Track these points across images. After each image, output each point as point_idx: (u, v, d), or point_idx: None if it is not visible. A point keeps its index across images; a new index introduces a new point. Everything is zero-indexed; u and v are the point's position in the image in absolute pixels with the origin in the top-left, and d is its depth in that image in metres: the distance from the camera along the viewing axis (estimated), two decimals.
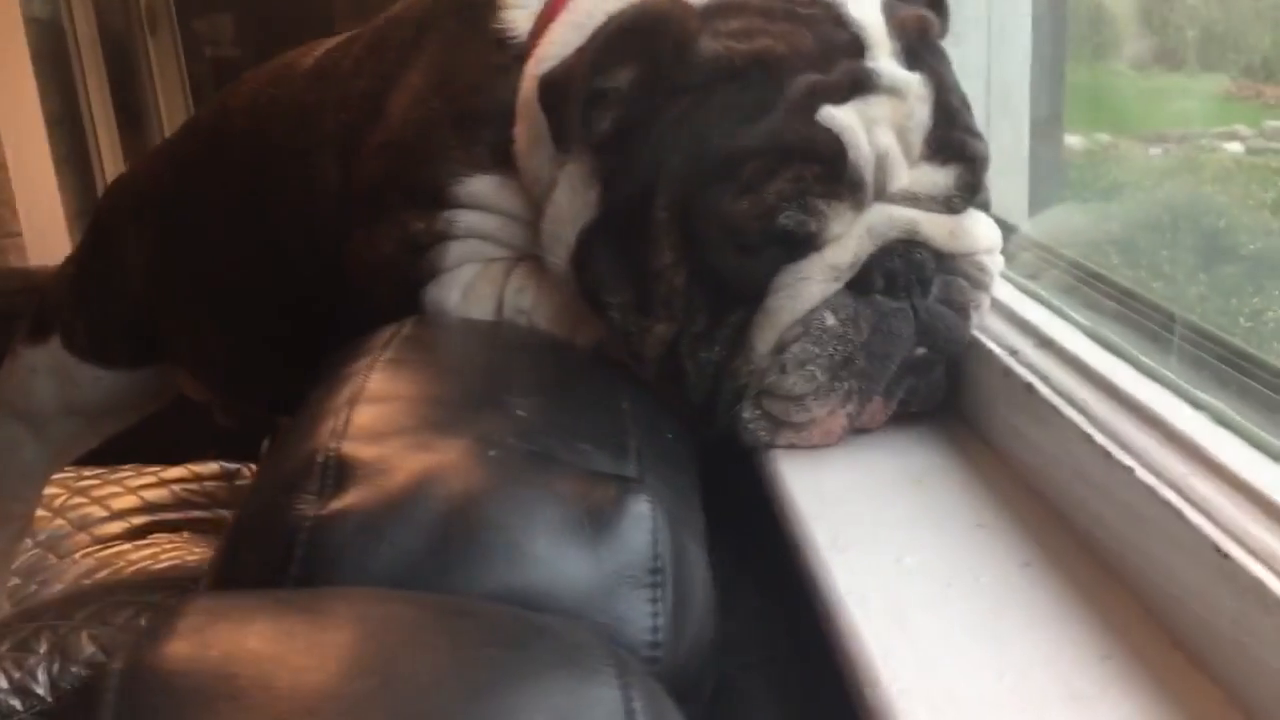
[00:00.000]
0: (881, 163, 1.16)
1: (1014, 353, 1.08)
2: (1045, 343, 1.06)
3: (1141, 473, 0.84)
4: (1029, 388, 1.02)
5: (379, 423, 0.89)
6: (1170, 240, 1.18)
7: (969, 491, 1.05)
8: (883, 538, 0.99)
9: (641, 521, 0.77)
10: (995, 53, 1.34)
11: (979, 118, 1.28)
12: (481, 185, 1.33)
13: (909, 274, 1.17)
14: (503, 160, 1.33)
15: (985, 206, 1.26)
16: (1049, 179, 1.53)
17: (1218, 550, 0.75)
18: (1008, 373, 1.07)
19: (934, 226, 1.18)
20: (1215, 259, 1.08)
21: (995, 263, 1.24)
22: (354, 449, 0.83)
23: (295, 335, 1.65)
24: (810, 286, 1.16)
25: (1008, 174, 1.40)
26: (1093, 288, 1.19)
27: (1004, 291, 1.20)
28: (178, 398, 2.07)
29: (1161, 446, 0.86)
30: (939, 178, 1.17)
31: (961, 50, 1.20)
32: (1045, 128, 1.50)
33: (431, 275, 1.37)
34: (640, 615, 0.77)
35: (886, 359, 1.16)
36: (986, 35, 1.39)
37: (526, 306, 1.35)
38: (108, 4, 4.34)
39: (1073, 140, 1.46)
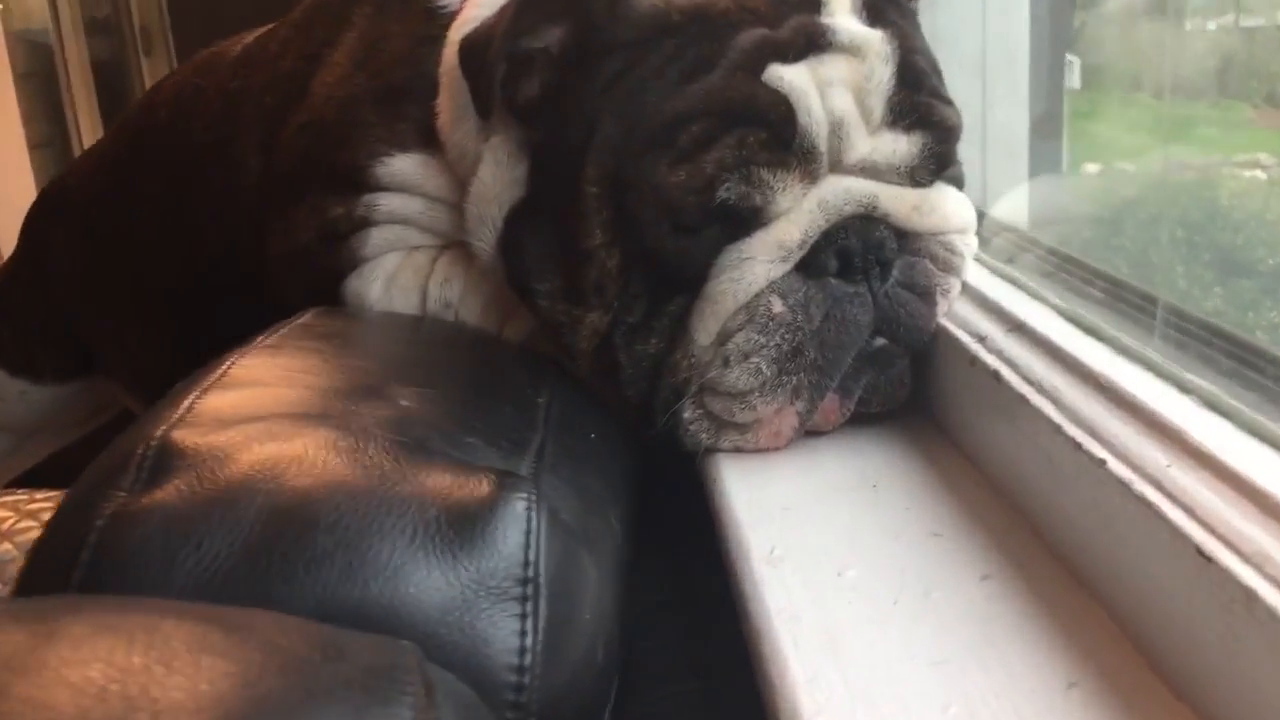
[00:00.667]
0: (836, 128, 1.03)
1: (981, 339, 0.94)
2: (1016, 326, 0.93)
3: (1116, 465, 0.70)
4: (995, 375, 0.88)
5: (228, 409, 0.76)
6: (1186, 255, 1.04)
7: (928, 496, 0.91)
8: (826, 548, 0.85)
9: (513, 524, 0.63)
10: (991, 94, 1.19)
11: (977, 154, 1.15)
12: (404, 165, 1.20)
13: (867, 254, 1.03)
14: (428, 138, 1.21)
15: (958, 182, 1.12)
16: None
17: (1200, 553, 0.61)
18: (974, 360, 0.93)
19: (896, 201, 1.05)
20: (1232, 273, 1.02)
21: (968, 244, 1.11)
22: (184, 436, 0.70)
23: (232, 340, 1.52)
24: (754, 268, 1.03)
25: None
26: (1069, 273, 1.05)
27: (973, 275, 1.06)
28: (125, 413, 1.96)
29: (1141, 435, 0.72)
30: (902, 146, 1.04)
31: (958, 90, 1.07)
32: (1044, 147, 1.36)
33: (352, 265, 1.25)
34: (504, 634, 0.64)
35: (841, 350, 1.02)
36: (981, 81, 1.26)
37: (453, 299, 1.23)
38: (100, 25, 4.27)
39: (1089, 167, 1.30)
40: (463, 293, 1.22)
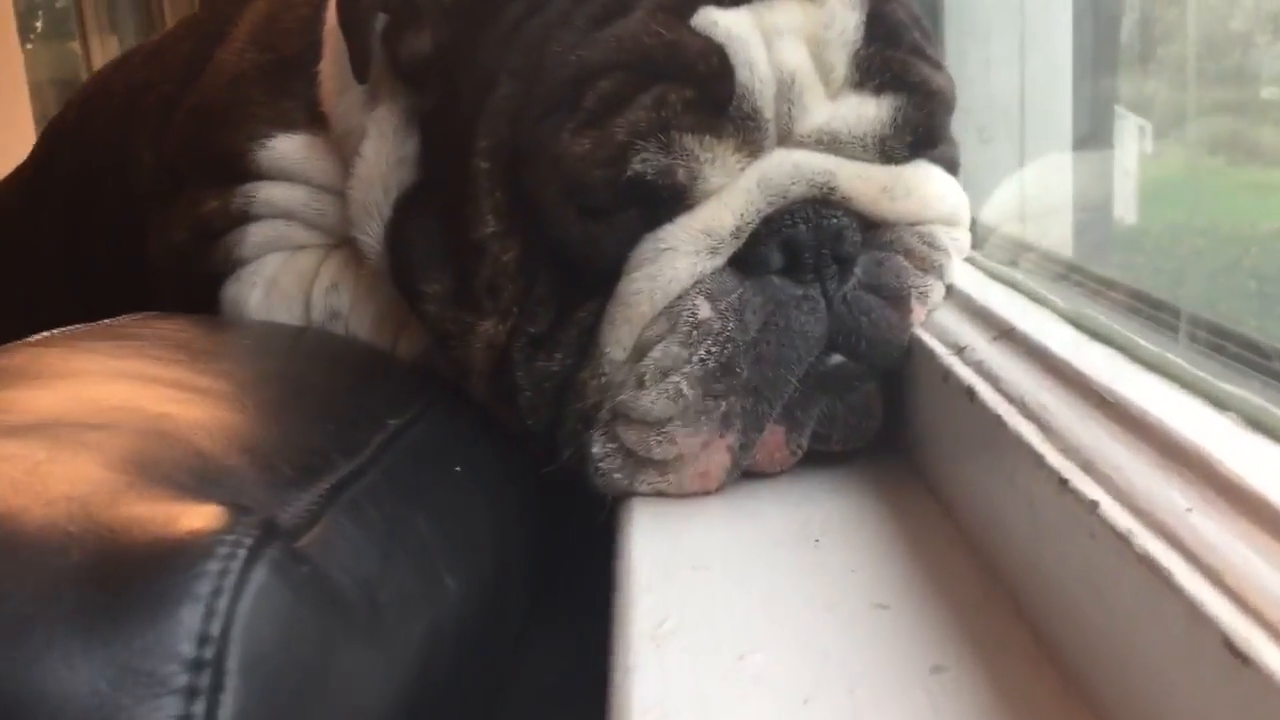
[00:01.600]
0: (785, 88, 0.81)
1: (959, 350, 0.71)
2: (1004, 333, 0.69)
3: (1112, 509, 0.47)
4: (969, 394, 0.64)
5: None
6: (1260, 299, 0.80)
7: (882, 554, 0.67)
8: (733, 622, 0.62)
9: (191, 582, 0.42)
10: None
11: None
12: (287, 148, 1.01)
13: (820, 247, 0.80)
14: (316, 115, 1.00)
15: (948, 163, 0.89)
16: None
17: (1232, 648, 0.36)
18: (947, 376, 0.70)
19: (859, 180, 0.82)
20: None
21: (954, 238, 0.88)
22: None
23: None
24: (676, 261, 0.80)
25: None
26: (1073, 282, 0.82)
27: (962, 277, 0.82)
28: None
29: (1152, 467, 0.48)
30: (869, 111, 0.81)
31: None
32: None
33: (228, 268, 1.05)
34: None
35: (783, 368, 0.79)
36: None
37: (342, 308, 1.02)
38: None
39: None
40: (353, 301, 1.01)
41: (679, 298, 0.81)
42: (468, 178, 0.85)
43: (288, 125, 1.02)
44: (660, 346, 0.81)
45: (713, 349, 0.80)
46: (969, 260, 0.89)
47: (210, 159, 1.05)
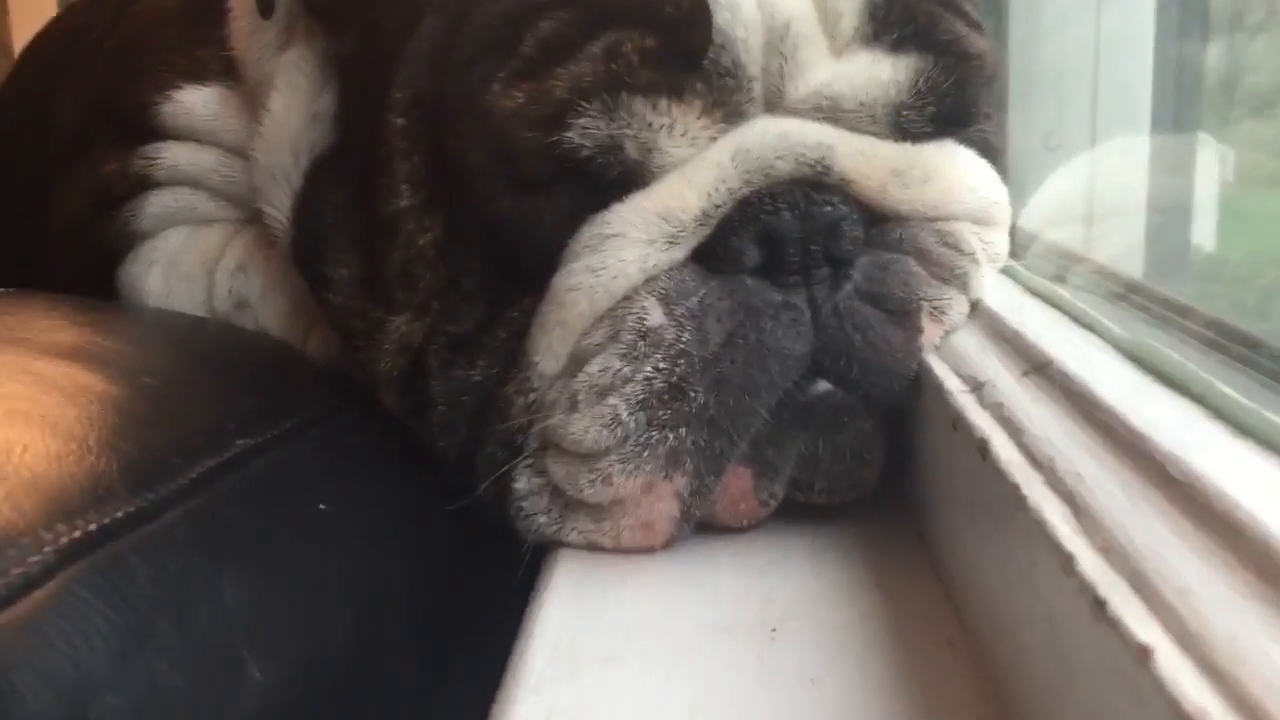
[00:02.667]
0: (778, 39, 0.64)
1: (977, 387, 0.53)
2: (1038, 366, 0.51)
3: (1170, 664, 0.28)
4: (982, 448, 0.46)
5: None
6: None
7: (853, 663, 0.48)
8: None
9: None
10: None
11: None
12: (196, 101, 0.85)
13: (808, 241, 0.63)
14: (231, 64, 0.84)
15: (985, 149, 0.71)
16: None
17: None
18: (957, 421, 0.51)
19: (864, 159, 0.64)
20: None
21: (987, 244, 0.69)
22: None
23: None
24: (623, 251, 0.63)
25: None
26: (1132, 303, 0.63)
27: (994, 293, 0.64)
28: None
29: (1246, 597, 0.29)
30: (884, 72, 0.63)
31: None
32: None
33: (127, 243, 0.88)
34: None
35: (750, 395, 0.62)
36: None
37: (250, 295, 0.85)
38: None
39: None
40: (263, 287, 0.84)
41: (625, 298, 0.64)
42: (381, 138, 0.69)
43: (198, 76, 0.85)
44: (599, 359, 0.63)
45: (661, 365, 0.62)
46: (1004, 271, 0.70)
47: (115, 114, 0.89)
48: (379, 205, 0.69)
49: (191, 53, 0.88)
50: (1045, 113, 0.96)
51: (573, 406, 0.65)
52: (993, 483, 0.47)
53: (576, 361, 0.66)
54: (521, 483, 0.68)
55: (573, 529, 0.67)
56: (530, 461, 0.67)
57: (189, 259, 0.87)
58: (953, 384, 0.58)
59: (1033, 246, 0.75)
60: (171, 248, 0.88)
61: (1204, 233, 0.88)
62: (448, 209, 0.68)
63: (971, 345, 0.61)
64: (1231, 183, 0.85)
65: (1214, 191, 0.86)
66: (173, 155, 0.87)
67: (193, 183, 0.87)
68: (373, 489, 0.67)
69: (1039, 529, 0.41)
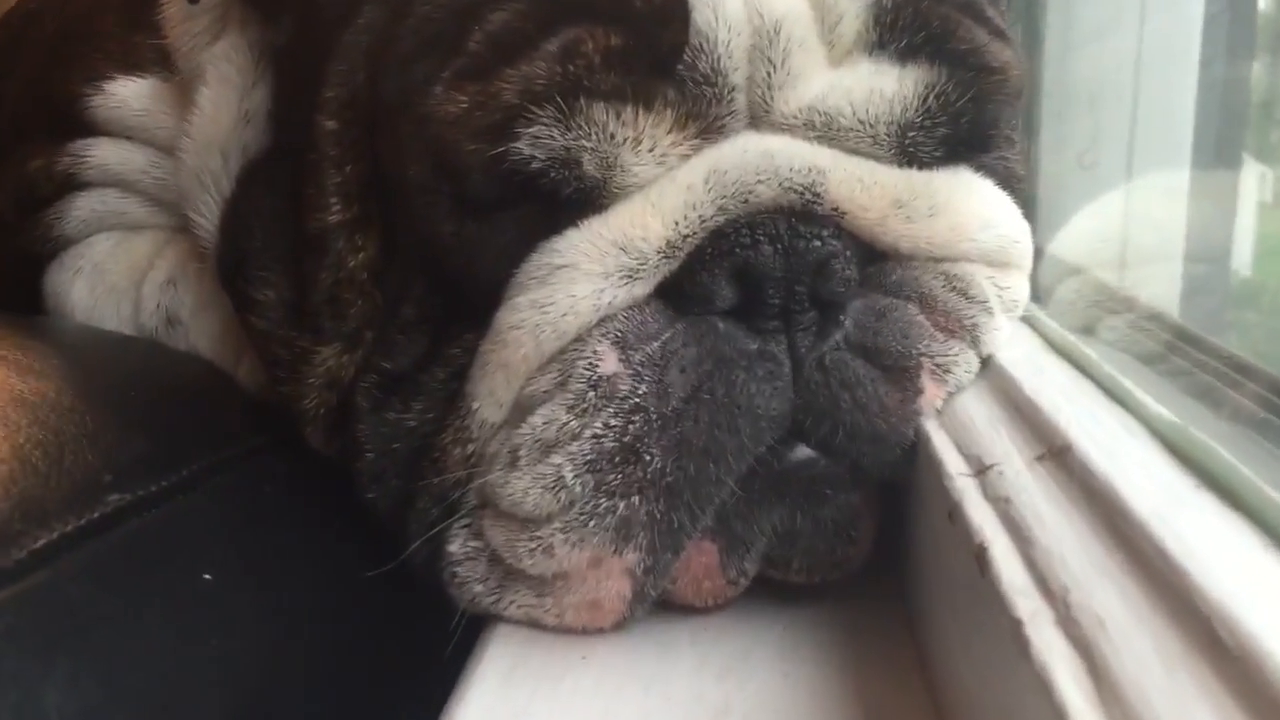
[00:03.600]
0: (767, 42, 0.57)
1: (981, 469, 0.43)
2: (1057, 451, 0.41)
3: None
4: (980, 555, 0.36)
5: None
6: None
7: None
8: None
9: None
10: None
11: None
12: (128, 94, 0.77)
13: (792, 281, 0.53)
14: (168, 54, 0.75)
15: (1006, 179, 0.61)
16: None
17: None
18: (954, 514, 0.42)
19: (861, 187, 0.55)
20: None
21: (1004, 290, 0.59)
22: None
23: None
24: (575, 285, 0.54)
25: None
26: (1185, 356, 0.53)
27: (1009, 347, 0.54)
28: None
29: None
30: (889, 85, 0.55)
31: None
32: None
33: (50, 249, 0.80)
34: None
35: (716, 460, 0.53)
36: None
37: (181, 312, 0.77)
38: None
39: None
40: (196, 304, 0.76)
41: (577, 340, 0.57)
42: (310, 143, 0.62)
43: (134, 65, 0.77)
44: (544, 409, 0.55)
45: (613, 422, 0.53)
46: (1023, 320, 0.60)
47: (47, 105, 0.81)
48: (306, 219, 0.62)
49: (128, 40, 0.79)
50: (1080, 129, 0.88)
51: (513, 463, 0.56)
52: (991, 606, 0.37)
53: (521, 410, 0.57)
54: (456, 545, 0.60)
55: (512, 602, 0.59)
56: (467, 522, 0.59)
57: (116, 269, 0.79)
58: (953, 463, 0.48)
59: (1059, 289, 0.65)
60: (98, 256, 0.79)
61: (1243, 259, 0.78)
62: (384, 227, 0.61)
63: (979, 414, 0.51)
64: (1271, 204, 0.77)
65: (1251, 216, 0.77)
66: (102, 154, 0.78)
67: (123, 185, 0.78)
68: (282, 549, 0.58)
69: (1045, 688, 0.31)
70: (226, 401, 0.70)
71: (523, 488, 0.56)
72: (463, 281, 0.60)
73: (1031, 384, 0.52)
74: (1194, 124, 0.82)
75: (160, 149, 0.78)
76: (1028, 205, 0.78)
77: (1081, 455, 0.43)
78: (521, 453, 0.56)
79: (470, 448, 0.59)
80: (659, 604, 0.59)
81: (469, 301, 0.60)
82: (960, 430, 0.52)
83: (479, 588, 0.59)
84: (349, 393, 0.62)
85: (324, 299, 0.61)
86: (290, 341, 0.63)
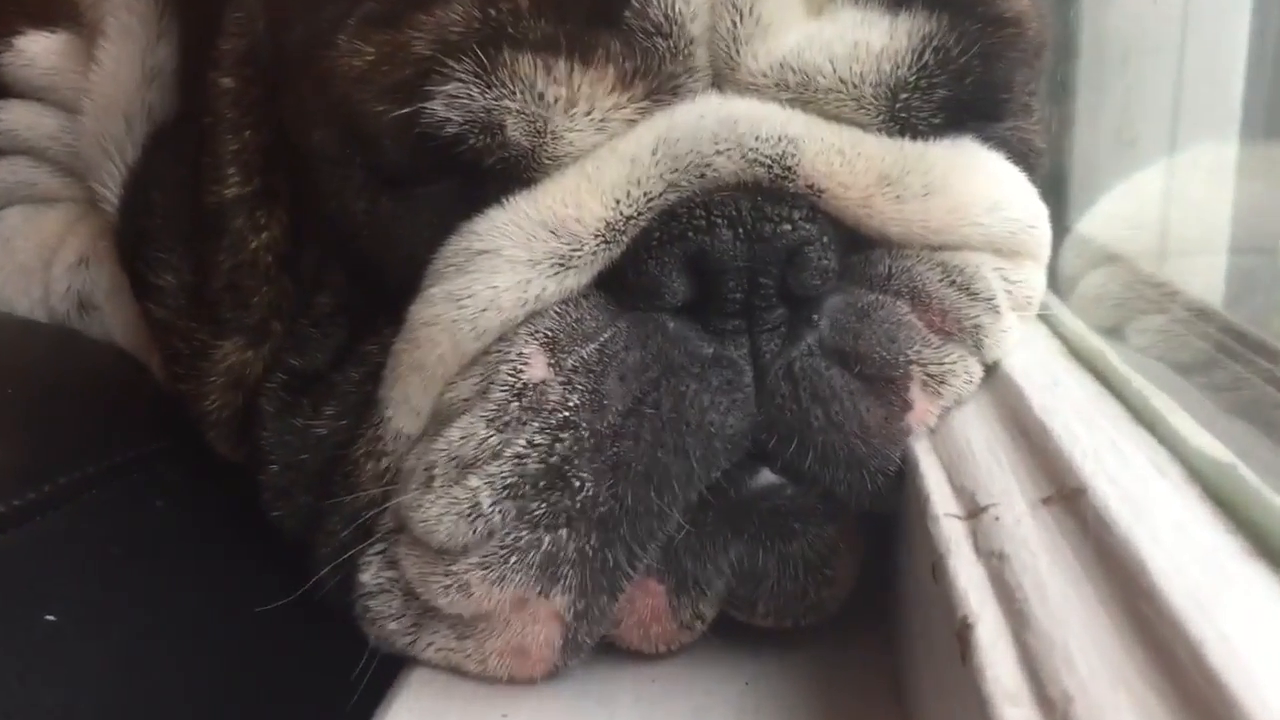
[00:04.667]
0: None
1: (975, 511, 0.33)
2: (1068, 495, 0.31)
3: None
4: (964, 632, 0.27)
5: None
6: None
7: None
8: None
9: None
10: None
11: None
12: (39, 49, 0.71)
13: (756, 272, 0.44)
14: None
15: (1020, 153, 0.54)
16: None
17: None
18: (938, 569, 0.32)
19: (842, 159, 0.45)
20: None
21: (1014, 284, 0.50)
22: None
23: None
24: (497, 275, 0.46)
25: None
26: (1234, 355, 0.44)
27: (1020, 351, 0.45)
28: None
29: None
30: (876, 38, 0.45)
31: None
32: None
33: None
34: None
35: (659, 488, 0.46)
36: None
37: (96, 296, 0.71)
38: None
39: None
40: (111, 287, 0.68)
41: (501, 340, 0.49)
42: (205, 104, 0.54)
43: (47, 18, 0.69)
44: (463, 421, 0.47)
45: (539, 439, 0.45)
46: (1040, 318, 0.50)
47: None
48: (203, 194, 0.55)
49: None
50: (1118, 97, 0.79)
51: (428, 483, 0.48)
52: (971, 702, 0.28)
53: (440, 421, 0.49)
54: (369, 575, 0.52)
55: (430, 644, 0.51)
56: (381, 548, 0.52)
57: (26, 246, 0.71)
58: (942, 500, 0.39)
59: (1084, 281, 0.55)
60: (6, 231, 0.72)
61: None
62: (292, 203, 0.54)
63: (977, 438, 0.42)
64: None
65: None
66: (12, 117, 0.71)
67: (33, 152, 0.71)
68: (162, 580, 0.50)
69: None
70: (130, 399, 0.62)
71: (436, 513, 0.48)
72: (380, 266, 0.51)
73: (1043, 402, 0.42)
74: (1244, 92, 0.73)
75: (71, 112, 0.70)
76: (1057, 183, 0.68)
77: (1098, 503, 0.34)
78: (436, 471, 0.48)
79: (384, 462, 0.52)
80: (604, 644, 0.50)
81: (387, 290, 0.51)
82: (954, 456, 0.43)
83: (393, 625, 0.52)
84: (256, 393, 0.54)
85: (223, 285, 0.54)
86: (189, 334, 0.56)
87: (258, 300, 0.54)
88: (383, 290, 0.52)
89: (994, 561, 0.35)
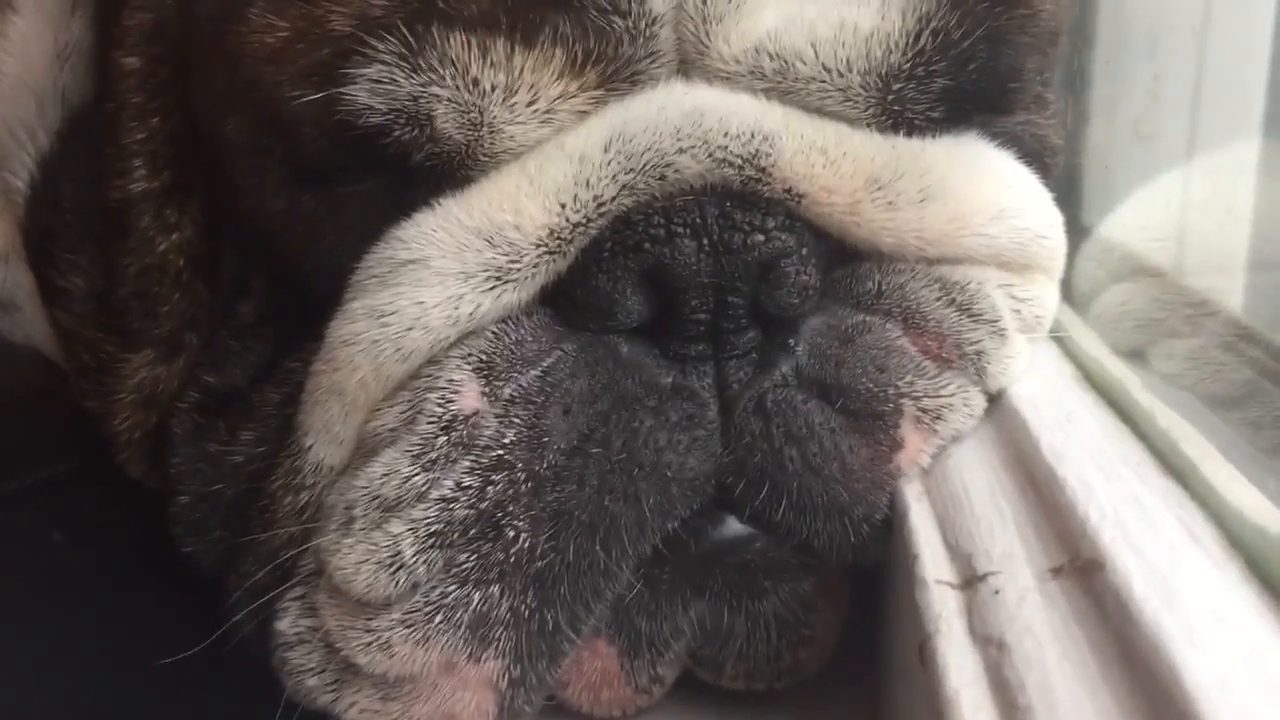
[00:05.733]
0: None
1: (971, 581, 0.28)
2: (1082, 567, 0.26)
3: None
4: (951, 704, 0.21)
5: None
6: None
7: None
8: None
9: None
10: None
11: None
12: None
13: (725, 290, 0.38)
14: None
15: (1032, 151, 0.48)
16: None
17: None
18: (926, 652, 0.27)
19: (825, 160, 0.40)
20: None
21: (1023, 302, 0.45)
22: None
23: None
24: (423, 289, 0.39)
25: None
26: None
27: (1028, 378, 0.38)
28: None
29: None
30: (866, 17, 0.38)
31: None
32: None
33: None
34: None
35: (605, 543, 0.38)
36: None
37: (18, 295, 0.65)
38: None
39: None
40: (34, 287, 0.61)
41: (431, 363, 0.43)
42: (107, 88, 0.50)
43: None
44: (386, 456, 0.41)
45: (469, 480, 0.41)
46: (1052, 337, 0.44)
47: None
48: (108, 188, 0.49)
49: None
50: (1137, 87, 0.71)
51: (347, 524, 0.41)
52: None
53: (365, 452, 0.42)
54: (287, 623, 0.47)
55: (352, 704, 0.46)
56: (301, 593, 0.46)
57: None
58: (934, 562, 0.33)
59: (1103, 295, 0.49)
60: None
61: None
62: (207, 198, 0.49)
63: (976, 486, 0.36)
64: None
65: None
66: None
67: None
68: (54, 624, 0.43)
69: None
70: (36, 414, 0.56)
71: (354, 560, 0.42)
72: (303, 274, 0.45)
73: (1053, 443, 0.36)
74: (1268, 79, 0.66)
75: None
76: (1071, 183, 0.62)
77: (1119, 583, 0.28)
78: (356, 512, 0.43)
79: (304, 496, 0.46)
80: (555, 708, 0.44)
81: (311, 299, 0.45)
82: (950, 507, 0.37)
83: (313, 680, 0.46)
84: (169, 413, 0.49)
85: (130, 292, 0.50)
86: (96, 345, 0.51)
87: (168, 309, 0.49)
88: (308, 300, 0.46)
89: (992, 651, 0.29)
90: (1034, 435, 0.38)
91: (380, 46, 0.40)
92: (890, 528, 0.41)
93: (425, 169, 0.42)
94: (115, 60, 0.48)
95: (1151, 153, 0.71)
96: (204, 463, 0.48)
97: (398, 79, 0.40)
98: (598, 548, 0.39)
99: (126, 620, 0.49)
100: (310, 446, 0.45)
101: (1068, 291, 0.49)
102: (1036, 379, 0.44)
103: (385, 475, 0.42)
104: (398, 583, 0.41)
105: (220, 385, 0.49)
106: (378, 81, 0.40)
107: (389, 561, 0.41)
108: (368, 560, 0.42)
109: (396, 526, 0.41)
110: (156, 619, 0.49)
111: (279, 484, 0.47)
